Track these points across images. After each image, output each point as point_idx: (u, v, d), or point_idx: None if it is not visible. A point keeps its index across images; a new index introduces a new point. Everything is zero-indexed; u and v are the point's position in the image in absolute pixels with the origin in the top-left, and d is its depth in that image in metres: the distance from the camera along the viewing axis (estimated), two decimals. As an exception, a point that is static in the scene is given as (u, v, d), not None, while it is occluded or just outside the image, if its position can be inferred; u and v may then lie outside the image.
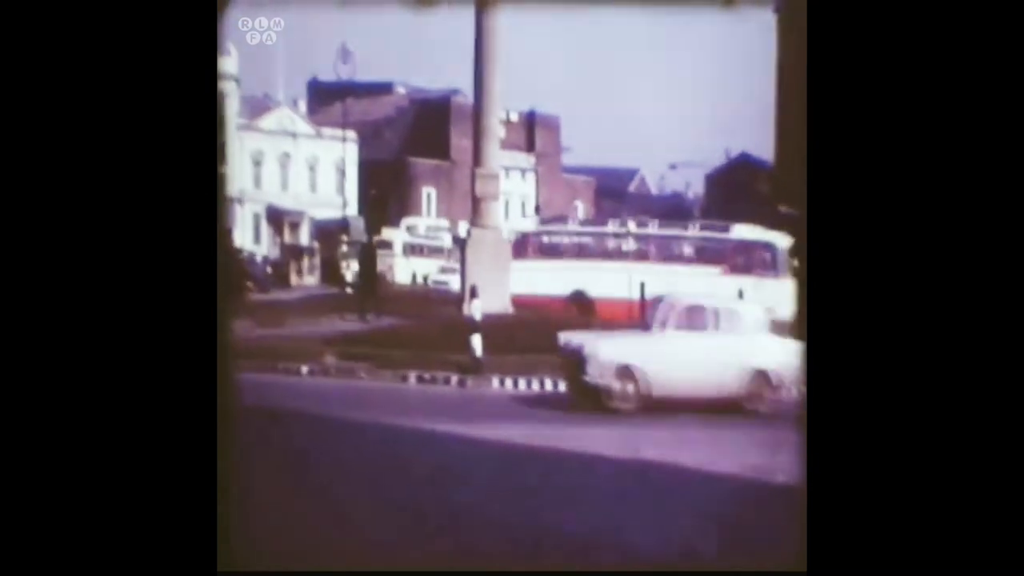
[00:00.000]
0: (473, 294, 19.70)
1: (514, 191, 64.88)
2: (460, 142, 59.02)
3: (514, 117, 65.94)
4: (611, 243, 27.62)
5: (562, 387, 17.92)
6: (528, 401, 16.63)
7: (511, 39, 27.52)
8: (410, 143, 67.25)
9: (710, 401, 15.23)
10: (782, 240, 26.88)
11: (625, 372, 15.27)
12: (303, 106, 65.93)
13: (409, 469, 10.54)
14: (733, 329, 15.63)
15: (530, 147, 70.01)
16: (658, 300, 16.43)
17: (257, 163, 60.73)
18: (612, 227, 28.57)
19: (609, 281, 25.66)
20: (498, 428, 13.38)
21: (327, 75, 59.41)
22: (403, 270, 43.99)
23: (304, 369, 18.11)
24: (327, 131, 62.33)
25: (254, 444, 6.57)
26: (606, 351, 15.42)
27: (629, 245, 27.31)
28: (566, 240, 27.75)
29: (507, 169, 54.99)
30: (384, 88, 69.05)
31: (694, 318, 15.63)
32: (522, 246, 27.61)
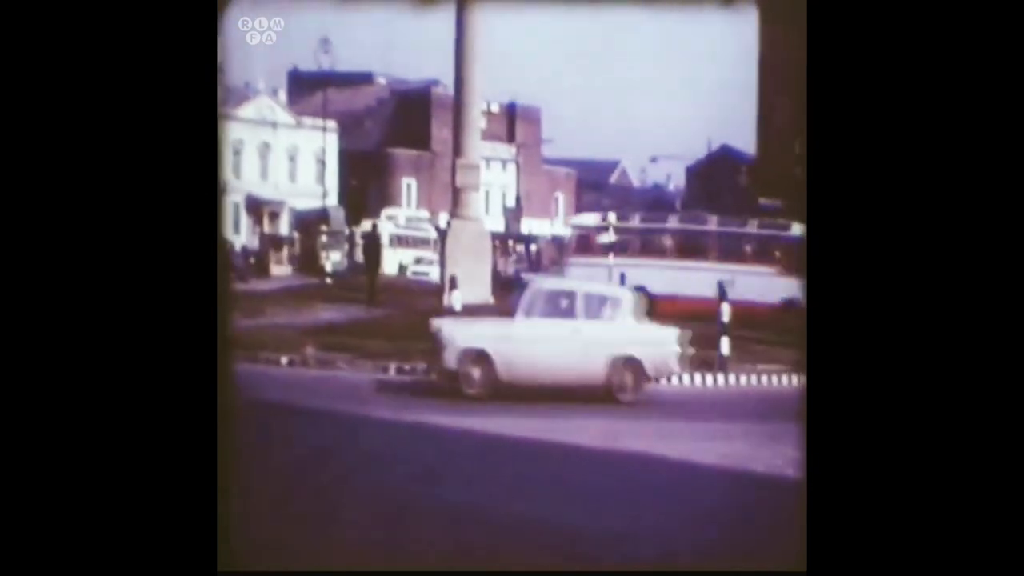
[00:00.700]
0: (453, 285, 19.70)
1: (495, 182, 64.78)
2: (441, 133, 58.92)
3: (495, 108, 65.82)
4: (669, 239, 26.78)
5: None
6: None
7: (492, 30, 27.48)
8: (390, 134, 67.10)
9: (573, 389, 15.04)
10: None
11: (479, 357, 15.10)
12: (283, 96, 65.69)
13: (409, 465, 10.50)
14: (603, 316, 15.42)
15: (511, 138, 69.94)
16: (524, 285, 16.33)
17: (237, 152, 60.52)
18: (673, 223, 27.85)
19: (670, 279, 24.83)
20: (493, 420, 13.38)
21: (307, 65, 59.21)
22: (390, 261, 43.95)
23: (284, 360, 18.06)
24: (307, 121, 62.13)
25: (254, 443, 6.55)
26: (461, 336, 15.28)
27: (695, 241, 26.57)
28: (627, 236, 26.96)
29: (488, 160, 54.88)
30: (364, 78, 68.84)
31: (560, 304, 15.45)
32: (585, 242, 27.13)
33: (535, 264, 50.72)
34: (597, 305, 15.51)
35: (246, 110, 61.23)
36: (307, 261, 40.63)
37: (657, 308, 22.65)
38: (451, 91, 30.52)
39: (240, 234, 55.85)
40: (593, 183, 79.31)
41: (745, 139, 53.16)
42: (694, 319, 18.70)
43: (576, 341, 15.09)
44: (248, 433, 5.43)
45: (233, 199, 58.81)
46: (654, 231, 27.26)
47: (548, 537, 8.06)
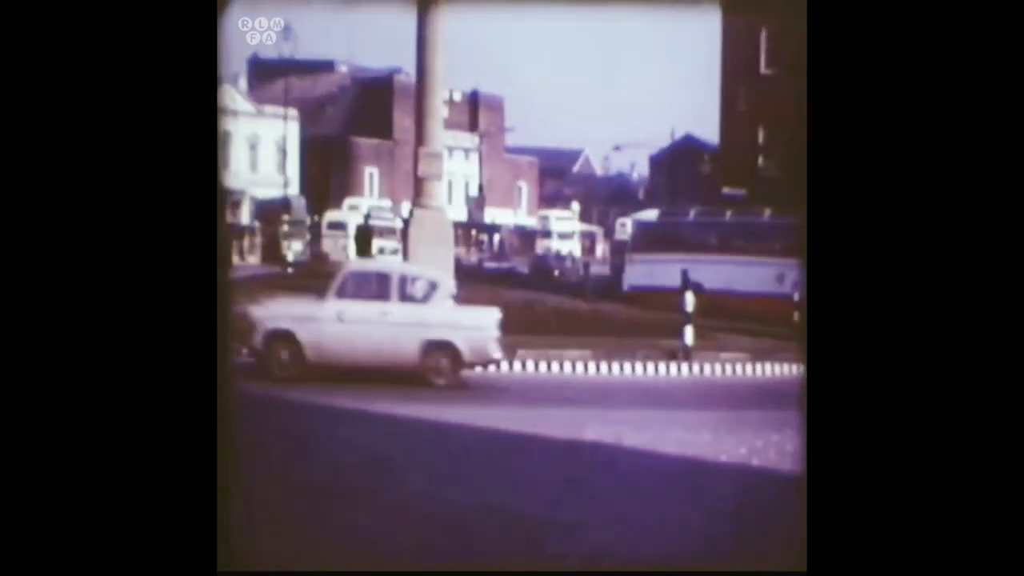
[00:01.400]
0: (416, 275, 19.53)
1: (457, 171, 64.63)
2: (403, 121, 58.64)
3: (457, 97, 65.63)
4: (721, 234, 26.16)
5: (503, 366, 17.87)
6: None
7: (455, 19, 27.32)
8: (352, 122, 66.78)
9: (384, 370, 14.94)
10: None
11: (286, 338, 14.97)
12: (244, 83, 65.22)
13: (410, 462, 10.40)
14: (418, 299, 15.30)
15: (474, 127, 69.80)
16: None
17: (197, 141, 59.86)
18: (731, 217, 27.30)
19: (728, 274, 24.47)
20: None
21: (268, 52, 58.78)
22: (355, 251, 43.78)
23: (244, 351, 17.88)
24: (268, 109, 61.70)
25: (254, 443, 6.50)
26: (267, 317, 15.17)
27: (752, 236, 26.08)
28: (684, 231, 26.41)
29: (450, 149, 54.73)
30: (326, 66, 68.45)
31: (373, 286, 15.28)
32: (645, 236, 26.70)
33: (499, 253, 50.72)
34: (412, 288, 15.35)
35: (206, 98, 60.53)
36: (269, 250, 40.39)
37: (715, 305, 22.31)
38: (413, 79, 30.35)
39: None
40: (556, 172, 79.32)
41: (709, 128, 53.29)
42: (749, 317, 18.53)
43: (387, 324, 14.91)
44: (248, 432, 5.40)
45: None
46: (708, 225, 26.68)
47: (507, 524, 8.01)
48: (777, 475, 10.18)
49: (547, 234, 54.54)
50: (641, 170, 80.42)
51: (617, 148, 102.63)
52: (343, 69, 70.47)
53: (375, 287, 15.25)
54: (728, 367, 18.78)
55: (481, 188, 62.98)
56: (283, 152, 60.91)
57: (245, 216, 53.31)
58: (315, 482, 8.94)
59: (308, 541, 7.16)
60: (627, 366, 18.21)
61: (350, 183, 63.02)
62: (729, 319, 22.22)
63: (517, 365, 17.93)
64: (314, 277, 25.27)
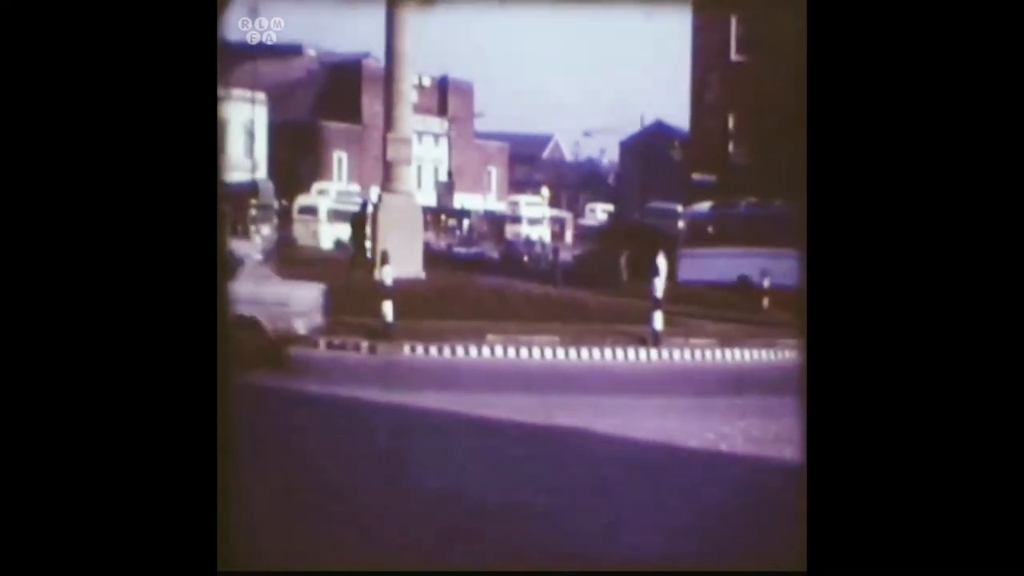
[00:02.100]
0: (384, 260, 19.50)
1: (426, 156, 64.41)
2: (372, 106, 58.38)
3: (426, 82, 65.37)
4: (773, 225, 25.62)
5: (473, 353, 17.85)
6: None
7: (423, 3, 27.15)
8: (321, 106, 66.41)
9: None
10: None
11: None
12: (211, 67, 64.62)
13: (410, 459, 10.33)
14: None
15: (443, 112, 69.56)
16: None
17: (164, 125, 59.38)
18: (780, 208, 26.68)
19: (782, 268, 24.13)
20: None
21: (236, 36, 58.25)
22: (326, 236, 43.56)
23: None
24: (236, 92, 61.25)
25: (254, 443, 6.46)
26: None
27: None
28: (734, 223, 25.71)
29: (419, 134, 54.52)
30: (294, 50, 67.99)
31: None
32: (697, 230, 26.18)
33: (468, 238, 50.63)
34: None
35: (173, 81, 60.06)
36: (237, 234, 40.11)
37: (773, 300, 21.87)
38: (382, 64, 30.20)
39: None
40: (526, 157, 79.20)
41: (679, 115, 53.34)
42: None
43: None
44: (248, 432, 5.32)
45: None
46: (758, 218, 26.05)
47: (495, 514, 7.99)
48: (745, 461, 10.20)
49: (517, 219, 54.46)
50: (611, 156, 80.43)
51: (587, 134, 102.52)
52: (311, 53, 70.01)
53: None
54: (697, 353, 18.82)
55: (450, 173, 62.83)
56: (251, 136, 60.49)
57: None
58: (315, 482, 8.91)
59: (308, 541, 7.14)
60: (596, 352, 18.21)
61: (319, 167, 62.71)
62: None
63: (486, 350, 17.90)
64: (288, 263, 25.14)
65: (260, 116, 60.83)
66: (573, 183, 78.14)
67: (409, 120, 28.19)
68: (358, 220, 28.10)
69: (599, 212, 63.00)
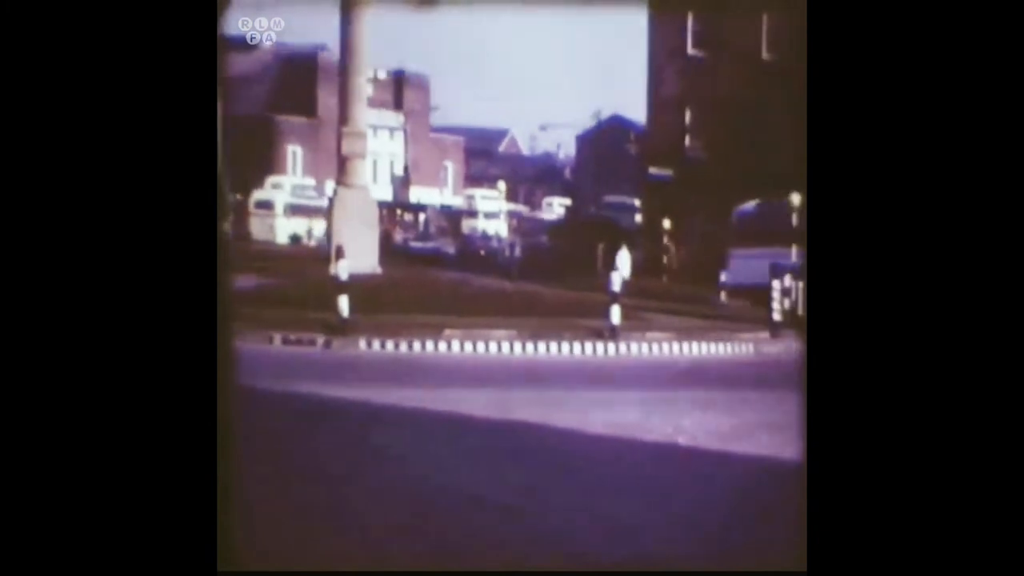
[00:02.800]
0: (339, 254, 19.36)
1: (382, 150, 64.16)
2: (327, 99, 58.03)
3: (382, 75, 65.08)
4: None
5: (430, 347, 17.75)
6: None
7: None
8: (275, 100, 65.96)
9: None
10: None
11: None
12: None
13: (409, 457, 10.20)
14: None
15: (398, 106, 69.31)
16: None
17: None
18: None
19: None
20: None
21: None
22: (283, 230, 43.28)
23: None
24: (189, 86, 60.62)
25: (254, 443, 6.37)
26: None
27: None
28: (781, 222, 25.18)
29: (375, 128, 54.28)
30: (248, 42, 67.46)
31: None
32: (746, 229, 25.73)
33: (425, 233, 50.48)
34: None
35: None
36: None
37: None
38: (337, 57, 30.00)
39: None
40: (482, 151, 79.14)
41: (636, 108, 53.44)
42: None
43: None
44: (248, 432, 5.30)
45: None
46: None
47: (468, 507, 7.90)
48: (705, 453, 10.17)
49: (473, 214, 54.40)
50: (567, 150, 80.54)
51: (543, 128, 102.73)
52: (266, 45, 69.52)
53: None
54: (655, 346, 18.80)
55: (406, 167, 62.64)
56: (205, 130, 59.86)
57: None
58: (316, 482, 8.80)
59: (308, 541, 7.10)
60: (553, 346, 18.15)
61: (273, 161, 62.29)
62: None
63: (443, 345, 17.80)
64: (244, 258, 24.93)
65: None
66: (529, 177, 78.19)
67: (364, 114, 28.03)
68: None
69: (556, 206, 63.06)
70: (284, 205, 45.22)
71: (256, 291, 21.06)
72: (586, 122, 70.52)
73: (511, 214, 55.64)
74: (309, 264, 26.79)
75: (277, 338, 17.43)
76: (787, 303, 22.87)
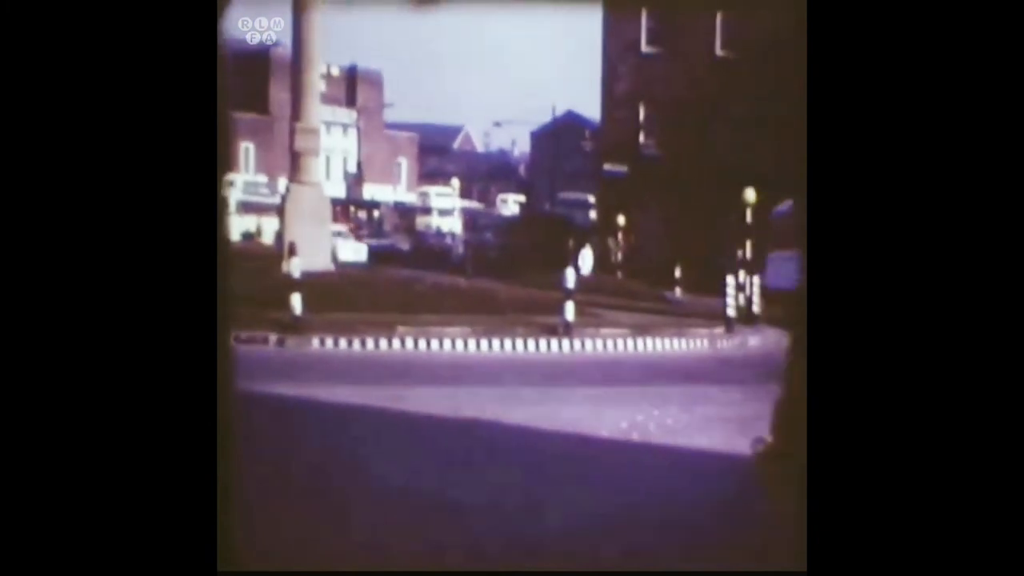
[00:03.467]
0: (292, 251, 19.20)
1: (335, 147, 63.88)
2: (279, 95, 57.65)
3: (335, 71, 64.80)
4: None
5: (383, 345, 17.66)
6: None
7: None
8: (226, 96, 65.37)
9: None
10: None
11: None
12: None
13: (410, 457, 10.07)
14: None
15: (352, 102, 69.01)
16: None
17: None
18: None
19: None
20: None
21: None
22: (236, 228, 42.99)
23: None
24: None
25: (254, 443, 6.29)
26: None
27: None
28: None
29: (328, 124, 54.06)
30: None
31: None
32: (786, 229, 25.55)
33: (378, 230, 50.33)
34: None
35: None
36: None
37: None
38: (289, 52, 29.79)
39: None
40: (436, 148, 79.00)
41: (590, 105, 53.47)
42: None
43: None
44: (248, 432, 5.23)
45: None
46: None
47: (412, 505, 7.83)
48: (659, 448, 10.16)
49: (427, 211, 54.28)
50: (522, 146, 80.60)
51: (497, 124, 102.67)
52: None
53: None
54: (609, 343, 18.79)
55: (359, 164, 62.40)
56: (156, 126, 59.27)
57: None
58: (316, 482, 8.74)
59: (309, 541, 7.06)
60: (507, 343, 18.10)
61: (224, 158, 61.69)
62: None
63: (396, 343, 17.70)
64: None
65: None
66: (484, 174, 78.14)
67: (317, 110, 27.86)
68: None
69: (511, 203, 63.07)
70: (236, 202, 44.97)
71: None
72: (541, 119, 70.60)
73: (465, 211, 55.58)
74: (261, 261, 26.60)
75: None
76: (742, 299, 23.01)
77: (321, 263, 23.41)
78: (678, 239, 34.44)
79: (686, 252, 31.95)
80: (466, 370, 15.77)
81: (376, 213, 52.90)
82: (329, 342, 17.48)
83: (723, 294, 21.75)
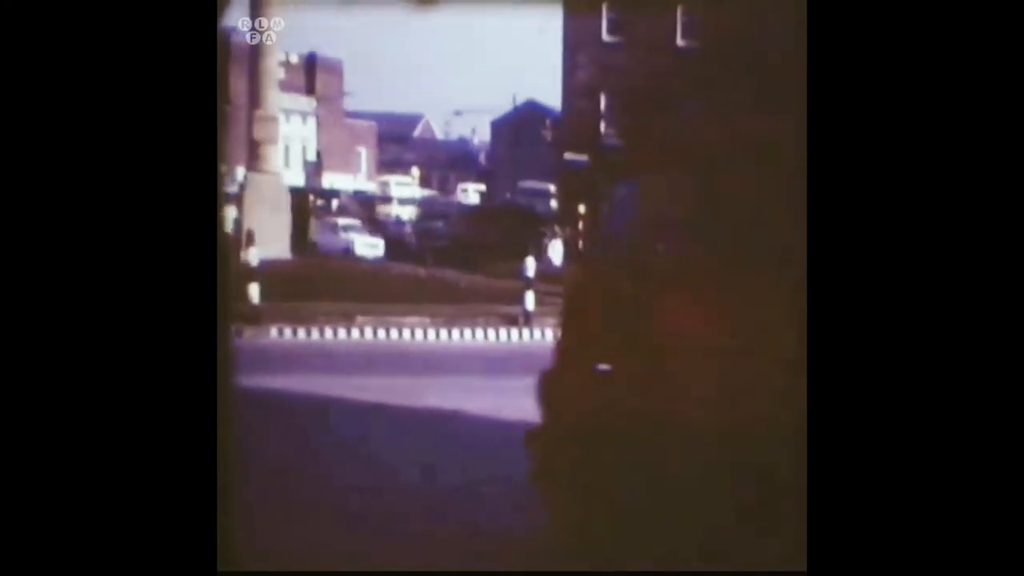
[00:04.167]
0: (250, 240, 19.07)
1: (294, 135, 63.53)
2: (237, 83, 57.28)
3: (294, 59, 64.39)
4: None
5: (342, 334, 17.58)
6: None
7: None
8: (186, 84, 64.99)
9: None
10: None
11: None
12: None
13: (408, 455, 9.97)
14: None
15: (311, 90, 68.64)
16: None
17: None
18: None
19: None
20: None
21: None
22: None
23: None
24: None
25: (254, 443, 6.25)
26: None
27: None
28: None
29: (287, 112, 53.69)
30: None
31: None
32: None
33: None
34: None
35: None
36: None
37: None
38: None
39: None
40: (396, 137, 78.74)
41: (551, 94, 53.54)
42: None
43: None
44: (248, 432, 5.24)
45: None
46: None
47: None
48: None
49: (387, 200, 54.10)
50: (482, 135, 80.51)
51: (458, 113, 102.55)
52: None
53: None
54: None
55: (319, 153, 62.08)
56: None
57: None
58: (316, 481, 8.73)
59: (308, 541, 7.09)
60: (468, 332, 18.05)
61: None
62: None
63: (356, 332, 17.61)
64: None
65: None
66: (444, 163, 77.99)
67: (276, 98, 27.69)
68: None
69: (471, 192, 62.96)
70: None
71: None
72: (501, 108, 70.56)
73: (424, 200, 55.46)
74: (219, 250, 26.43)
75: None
76: None
77: (279, 251, 23.27)
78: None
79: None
80: (426, 359, 15.72)
81: (335, 202, 52.62)
82: (288, 332, 17.37)
83: None
